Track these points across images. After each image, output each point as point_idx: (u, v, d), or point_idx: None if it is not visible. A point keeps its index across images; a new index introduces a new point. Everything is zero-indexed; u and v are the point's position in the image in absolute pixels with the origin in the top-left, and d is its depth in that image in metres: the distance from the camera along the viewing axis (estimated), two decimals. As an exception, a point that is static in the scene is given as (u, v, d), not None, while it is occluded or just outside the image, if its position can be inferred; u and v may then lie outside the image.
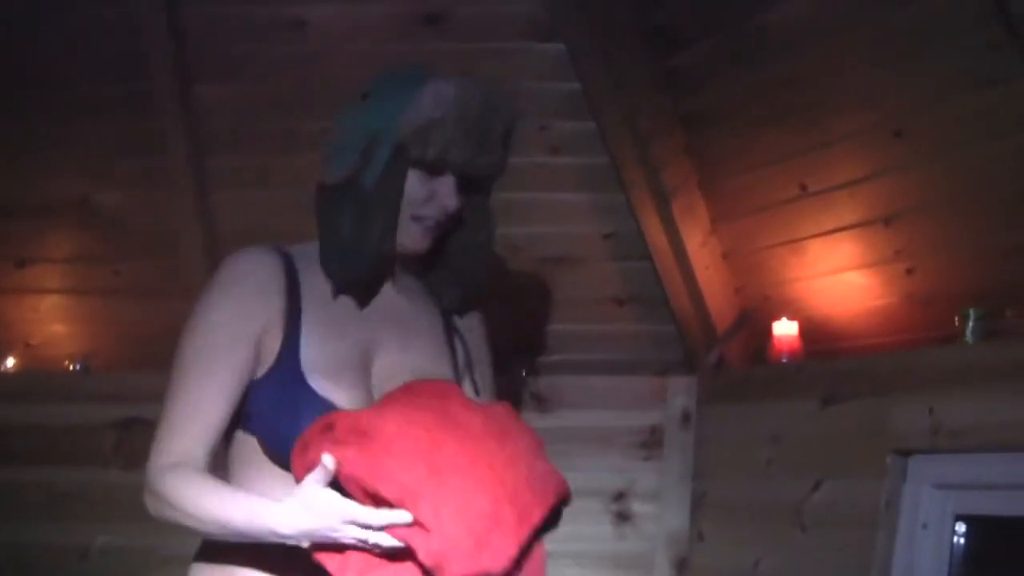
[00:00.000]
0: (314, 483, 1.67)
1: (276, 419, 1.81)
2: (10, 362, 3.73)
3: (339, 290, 1.90)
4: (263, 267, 1.85)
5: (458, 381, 2.00)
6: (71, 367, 3.67)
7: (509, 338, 3.46)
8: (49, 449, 3.54)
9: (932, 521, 2.66)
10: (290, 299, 1.85)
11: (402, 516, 1.65)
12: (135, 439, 3.50)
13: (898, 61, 2.64)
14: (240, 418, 1.83)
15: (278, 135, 3.35)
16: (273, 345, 1.83)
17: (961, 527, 2.66)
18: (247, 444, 1.84)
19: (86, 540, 3.49)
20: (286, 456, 1.81)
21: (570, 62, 3.21)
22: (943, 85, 2.58)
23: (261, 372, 1.83)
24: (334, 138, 1.90)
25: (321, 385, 1.82)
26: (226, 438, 1.83)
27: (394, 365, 1.92)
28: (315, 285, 1.88)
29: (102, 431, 3.54)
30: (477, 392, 2.02)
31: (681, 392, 3.40)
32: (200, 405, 1.77)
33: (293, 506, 1.68)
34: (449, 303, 2.01)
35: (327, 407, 1.81)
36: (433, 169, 1.85)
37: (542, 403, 3.43)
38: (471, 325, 2.08)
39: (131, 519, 3.34)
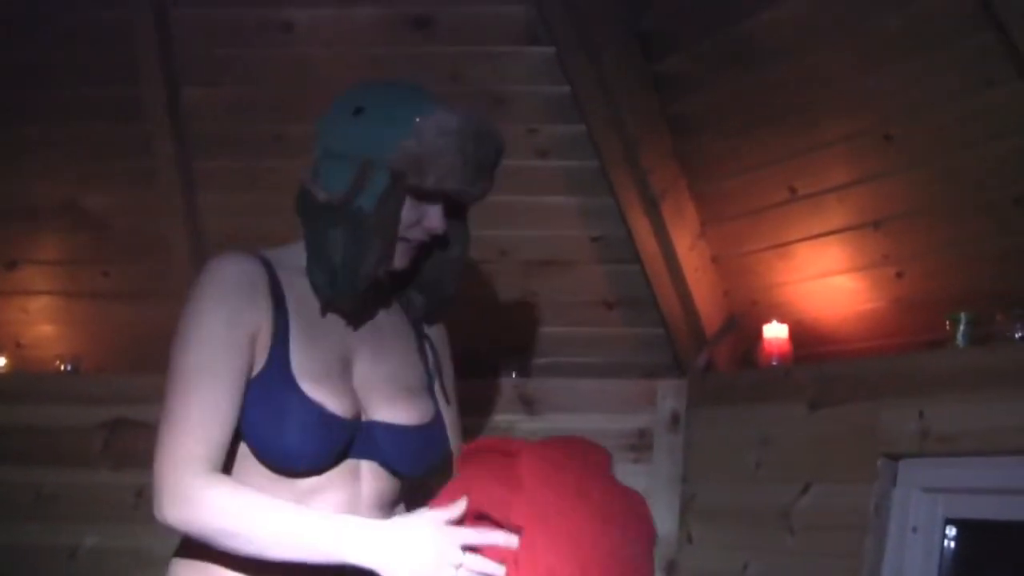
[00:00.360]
0: (439, 515, 1.76)
1: (266, 423, 1.81)
2: (0, 362, 3.72)
3: (326, 308, 1.91)
4: (249, 271, 1.85)
5: (430, 386, 2.03)
6: (61, 368, 3.66)
7: (498, 341, 3.49)
8: (38, 449, 3.53)
9: (922, 525, 2.66)
10: (275, 304, 1.86)
11: (511, 540, 1.73)
12: (123, 440, 3.50)
13: (888, 65, 2.63)
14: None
15: (265, 138, 3.34)
16: (262, 349, 1.83)
17: (951, 531, 2.66)
18: (237, 449, 1.83)
19: (75, 540, 3.49)
20: (275, 459, 1.81)
21: (559, 65, 3.20)
22: (933, 89, 2.57)
23: (251, 377, 1.82)
24: (324, 148, 1.89)
25: (312, 390, 1.83)
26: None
27: (370, 372, 1.94)
28: (296, 291, 1.89)
29: (91, 432, 3.53)
30: (448, 401, 2.07)
31: (670, 395, 3.40)
32: (214, 411, 1.76)
33: (401, 531, 1.75)
34: (419, 313, 2.05)
35: (318, 412, 1.82)
36: (425, 195, 1.87)
37: (531, 406, 3.43)
38: (438, 336, 2.11)
39: (119, 519, 3.40)
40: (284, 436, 1.80)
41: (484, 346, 3.32)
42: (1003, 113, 2.45)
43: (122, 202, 3.51)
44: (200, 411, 1.76)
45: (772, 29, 2.81)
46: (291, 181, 3.53)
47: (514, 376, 3.49)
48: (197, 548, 1.81)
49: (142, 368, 3.56)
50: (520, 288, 3.48)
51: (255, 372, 1.82)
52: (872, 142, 2.75)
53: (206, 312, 1.80)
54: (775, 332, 3.13)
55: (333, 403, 1.84)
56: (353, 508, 1.88)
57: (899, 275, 2.87)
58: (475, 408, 3.26)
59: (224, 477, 1.77)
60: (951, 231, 2.72)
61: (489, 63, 3.23)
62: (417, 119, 1.83)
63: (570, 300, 3.50)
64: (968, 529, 2.65)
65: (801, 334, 3.13)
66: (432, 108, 1.85)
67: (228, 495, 1.74)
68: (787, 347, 3.12)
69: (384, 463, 1.92)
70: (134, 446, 3.45)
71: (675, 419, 3.38)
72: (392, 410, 1.93)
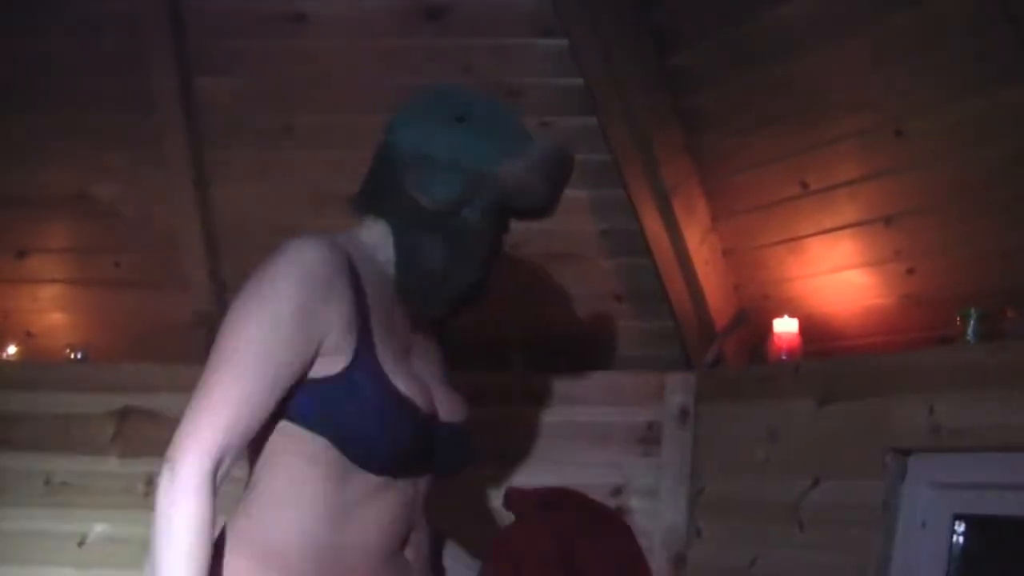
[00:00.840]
0: None
1: (361, 419, 1.77)
2: (11, 350, 3.72)
3: (419, 316, 1.92)
4: (332, 260, 1.78)
5: (450, 383, 2.03)
6: (71, 356, 3.67)
7: (508, 333, 3.49)
8: (48, 437, 3.53)
9: (931, 520, 2.65)
10: (357, 296, 1.82)
11: None
12: (133, 428, 3.50)
13: (900, 61, 2.62)
14: (303, 416, 1.79)
15: (276, 129, 3.34)
16: (344, 342, 1.77)
17: (960, 527, 2.65)
18: (310, 443, 1.79)
19: (84, 528, 3.49)
20: (367, 456, 1.78)
21: (572, 58, 3.19)
22: (946, 85, 2.56)
23: (333, 370, 1.78)
24: (420, 151, 1.87)
25: (404, 388, 1.80)
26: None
27: (424, 369, 1.94)
28: (368, 282, 1.86)
29: (100, 420, 3.53)
30: None
31: (679, 389, 3.39)
32: (254, 397, 1.70)
33: None
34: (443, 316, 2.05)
35: (411, 408, 1.80)
36: (510, 212, 1.89)
37: (540, 399, 3.42)
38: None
39: (128, 507, 3.41)
40: (381, 433, 1.76)
41: (493, 338, 3.33)
42: (1016, 110, 2.45)
43: (133, 192, 3.51)
44: (241, 396, 1.69)
45: (784, 24, 2.80)
46: (302, 172, 3.56)
47: (523, 369, 3.49)
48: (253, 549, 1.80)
49: (152, 357, 3.57)
50: (530, 281, 3.48)
51: (341, 367, 1.77)
52: (884, 138, 2.74)
53: (282, 295, 1.73)
54: (785, 327, 3.13)
55: (420, 401, 1.82)
56: (411, 509, 1.87)
57: (910, 271, 2.86)
58: (484, 400, 3.25)
59: (211, 507, 1.68)
60: (963, 227, 2.72)
61: (502, 55, 3.22)
62: (529, 141, 1.87)
63: (580, 293, 3.50)
64: (978, 525, 2.64)
65: (811, 329, 3.12)
66: (528, 130, 1.90)
67: (194, 525, 1.66)
68: (797, 342, 3.11)
69: (439, 462, 1.92)
70: (143, 434, 3.46)
71: (684, 413, 3.38)
72: (446, 407, 1.93)
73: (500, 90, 3.19)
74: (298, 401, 1.77)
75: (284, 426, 1.79)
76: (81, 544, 3.49)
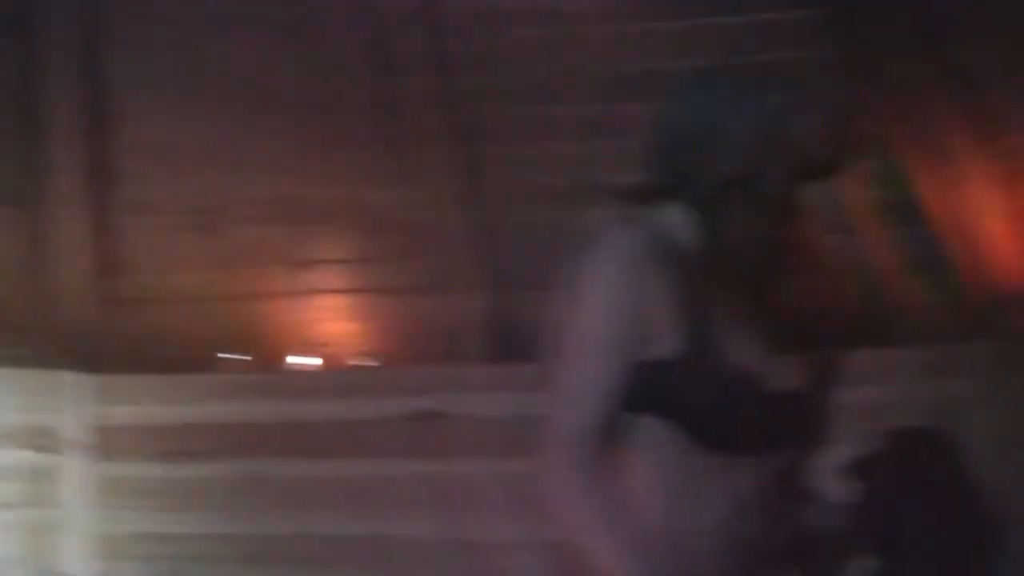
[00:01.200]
0: None
1: (697, 398, 1.78)
2: (305, 360, 3.85)
3: (731, 290, 1.93)
4: (649, 243, 1.81)
5: (777, 355, 2.03)
6: (363, 363, 3.78)
7: (794, 312, 3.39)
8: (346, 443, 3.63)
9: None
10: (675, 277, 1.86)
11: None
12: (429, 431, 3.58)
13: None
14: (637, 400, 1.83)
15: (543, 122, 3.37)
16: (671, 323, 1.80)
17: None
18: (646, 427, 1.82)
19: (386, 530, 3.60)
20: (709, 435, 1.80)
21: (828, 29, 3.09)
22: None
23: (663, 352, 1.79)
24: (703, 128, 1.89)
25: (734, 360, 1.81)
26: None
27: (745, 341, 1.94)
28: (680, 262, 1.89)
29: (397, 424, 3.60)
30: None
31: (974, 361, 3.23)
32: (605, 384, 1.74)
33: None
34: None
35: (746, 383, 1.80)
36: (802, 176, 1.89)
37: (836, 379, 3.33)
38: None
39: (433, 509, 3.47)
40: (718, 410, 1.77)
41: (780, 318, 3.26)
42: None
43: (404, 197, 3.60)
44: (593, 384, 1.75)
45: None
46: (568, 164, 3.54)
47: (814, 348, 3.40)
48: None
49: (443, 359, 3.65)
50: (815, 257, 3.38)
51: (672, 349, 1.81)
52: None
53: (612, 282, 1.77)
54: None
55: (754, 376, 1.83)
56: (758, 488, 1.87)
57: None
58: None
59: (602, 488, 1.74)
60: None
61: (756, 30, 3.16)
62: (811, 105, 1.86)
63: (861, 267, 3.38)
64: None
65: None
66: (809, 95, 1.88)
67: (603, 511, 1.72)
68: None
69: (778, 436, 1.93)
70: (441, 436, 3.54)
71: (980, 387, 3.21)
72: (778, 381, 1.93)
73: (757, 65, 3.13)
74: (631, 386, 1.80)
75: (620, 413, 1.83)
76: (375, 545, 3.57)
